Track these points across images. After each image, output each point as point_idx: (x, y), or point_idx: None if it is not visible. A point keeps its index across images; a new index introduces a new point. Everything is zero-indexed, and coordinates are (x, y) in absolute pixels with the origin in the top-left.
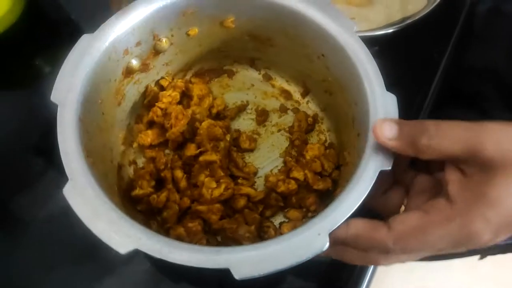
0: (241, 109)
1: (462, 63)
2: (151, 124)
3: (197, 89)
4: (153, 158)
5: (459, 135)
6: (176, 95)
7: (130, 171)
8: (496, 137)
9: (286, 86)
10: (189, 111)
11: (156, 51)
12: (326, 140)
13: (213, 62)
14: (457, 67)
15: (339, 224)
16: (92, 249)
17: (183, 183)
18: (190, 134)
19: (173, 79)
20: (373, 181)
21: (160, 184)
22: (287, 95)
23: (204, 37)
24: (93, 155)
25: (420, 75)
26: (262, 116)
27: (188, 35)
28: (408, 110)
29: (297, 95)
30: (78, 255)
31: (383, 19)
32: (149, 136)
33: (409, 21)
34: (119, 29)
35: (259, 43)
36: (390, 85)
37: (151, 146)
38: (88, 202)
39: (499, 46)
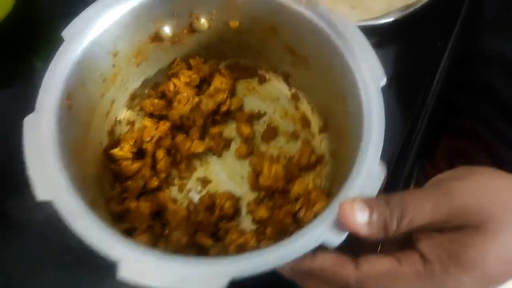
0: (254, 117)
1: (469, 52)
2: (163, 95)
3: (217, 81)
4: (145, 127)
5: (427, 209)
6: (196, 77)
7: (124, 129)
8: (465, 201)
9: (309, 113)
10: (196, 99)
11: (192, 30)
12: (320, 186)
13: (249, 61)
14: (464, 56)
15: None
16: (88, 252)
17: (161, 165)
18: (190, 121)
19: (204, 62)
20: (308, 250)
21: (142, 156)
22: (305, 123)
23: (245, 34)
24: (78, 98)
25: (423, 66)
26: (271, 133)
27: (228, 25)
28: (412, 105)
29: (315, 128)
30: (74, 258)
31: (384, 7)
32: (153, 105)
33: (411, 8)
34: None
35: (295, 60)
36: (392, 79)
37: (151, 115)
38: (41, 141)
39: None
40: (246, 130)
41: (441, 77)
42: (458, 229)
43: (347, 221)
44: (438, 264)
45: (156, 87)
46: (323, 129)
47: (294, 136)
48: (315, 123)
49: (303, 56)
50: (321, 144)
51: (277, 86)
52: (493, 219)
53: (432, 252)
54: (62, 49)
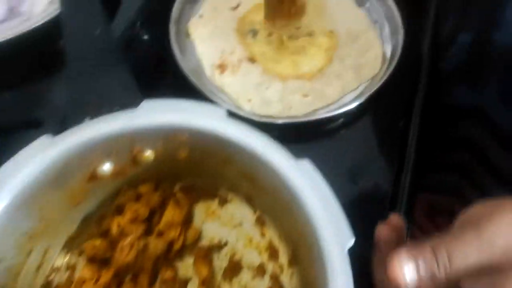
0: (214, 248)
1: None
2: (107, 232)
3: (169, 213)
4: (83, 280)
5: (472, 253)
6: (144, 211)
7: (63, 277)
8: (505, 238)
9: (276, 241)
10: (142, 243)
11: (137, 162)
12: None
13: (207, 181)
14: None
15: None
16: None
17: None
18: (136, 267)
19: (157, 185)
20: None
21: None
22: (273, 253)
23: (198, 161)
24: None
25: (390, 152)
26: (234, 269)
27: (177, 155)
28: (384, 199)
29: (284, 259)
30: None
31: (339, 91)
32: (94, 247)
33: (370, 91)
34: (90, 134)
35: (255, 186)
36: (354, 175)
37: (93, 259)
38: None
39: (488, 84)
40: (204, 270)
41: (410, 159)
42: (502, 270)
43: (395, 279)
44: None
45: (99, 222)
46: (293, 261)
47: (260, 270)
48: (284, 253)
49: (264, 188)
50: (291, 279)
51: (240, 209)
52: None
53: None
54: None
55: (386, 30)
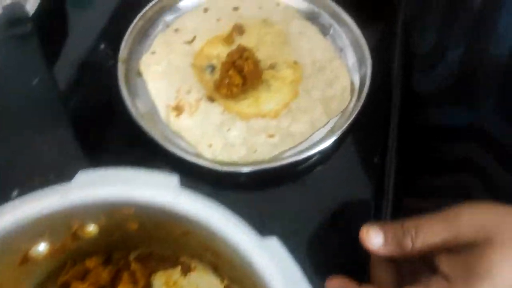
0: None
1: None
2: None
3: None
4: None
5: (438, 228)
6: None
7: None
8: (470, 219)
9: None
10: None
11: (78, 237)
12: None
13: (167, 246)
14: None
15: None
16: None
17: None
18: None
19: (107, 258)
20: None
21: None
22: None
23: (152, 232)
24: None
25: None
26: None
27: (125, 226)
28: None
29: None
30: None
31: (307, 128)
32: None
33: (340, 128)
34: (16, 216)
35: (217, 256)
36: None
37: None
38: None
39: (484, 101)
40: None
41: (389, 197)
42: (470, 246)
43: (365, 242)
44: (460, 280)
45: None
46: None
47: None
48: None
49: (229, 261)
50: None
51: (205, 278)
52: (499, 233)
53: (453, 271)
54: None
55: (353, 58)
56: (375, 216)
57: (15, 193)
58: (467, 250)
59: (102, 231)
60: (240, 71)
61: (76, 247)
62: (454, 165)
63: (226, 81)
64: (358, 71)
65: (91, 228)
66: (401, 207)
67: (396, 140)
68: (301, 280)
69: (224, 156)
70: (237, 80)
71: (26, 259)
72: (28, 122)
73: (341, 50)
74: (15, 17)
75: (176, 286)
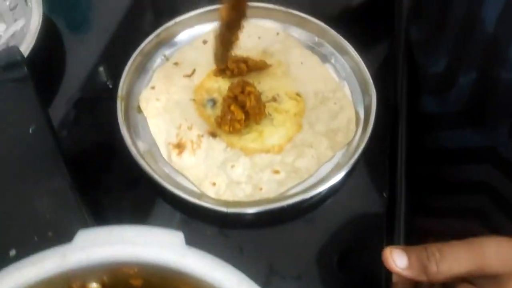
0: None
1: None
2: None
3: None
4: None
5: (463, 257)
6: None
7: None
8: (497, 251)
9: None
10: None
11: None
12: None
13: None
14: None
15: None
16: None
17: None
18: None
19: None
20: None
21: None
22: None
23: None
24: None
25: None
26: None
27: (129, 282)
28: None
29: None
30: None
31: (313, 164)
32: None
33: (346, 161)
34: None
35: None
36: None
37: None
38: None
39: (498, 124)
40: None
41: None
42: (494, 277)
43: (389, 265)
44: None
45: None
46: None
47: None
48: None
49: None
50: None
51: None
52: None
53: None
54: None
55: (356, 86)
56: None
57: (12, 252)
58: (491, 281)
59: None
60: (242, 106)
61: None
62: (466, 186)
63: (229, 117)
64: (363, 101)
65: (93, 287)
66: (414, 229)
67: (405, 167)
68: None
69: (228, 195)
70: (240, 115)
71: None
72: (24, 174)
73: (343, 79)
74: (11, 61)
75: None
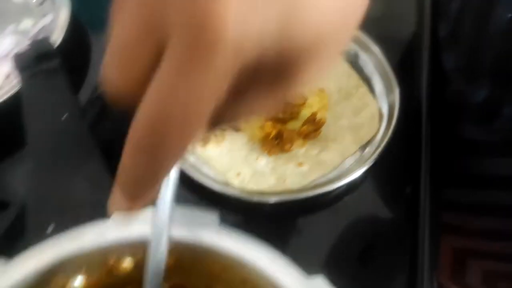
0: None
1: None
2: None
3: None
4: None
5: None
6: None
7: None
8: None
9: None
10: None
11: (113, 274)
12: None
13: (202, 279)
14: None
15: None
16: None
17: None
18: None
19: None
20: None
21: None
22: None
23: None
24: None
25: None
26: None
27: None
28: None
29: None
30: None
31: (337, 157)
32: None
33: (369, 155)
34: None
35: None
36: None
37: None
38: None
39: None
40: None
41: (425, 235)
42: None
43: None
44: None
45: None
46: None
47: None
48: None
49: None
50: None
51: None
52: None
53: None
54: None
55: (380, 85)
56: (412, 239)
57: (50, 227)
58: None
59: (138, 265)
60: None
61: (110, 280)
62: (499, 181)
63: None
64: (386, 99)
65: (127, 263)
66: (440, 223)
67: (430, 163)
68: None
69: (252, 185)
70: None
71: None
72: (60, 158)
73: (367, 77)
74: (43, 53)
75: None
